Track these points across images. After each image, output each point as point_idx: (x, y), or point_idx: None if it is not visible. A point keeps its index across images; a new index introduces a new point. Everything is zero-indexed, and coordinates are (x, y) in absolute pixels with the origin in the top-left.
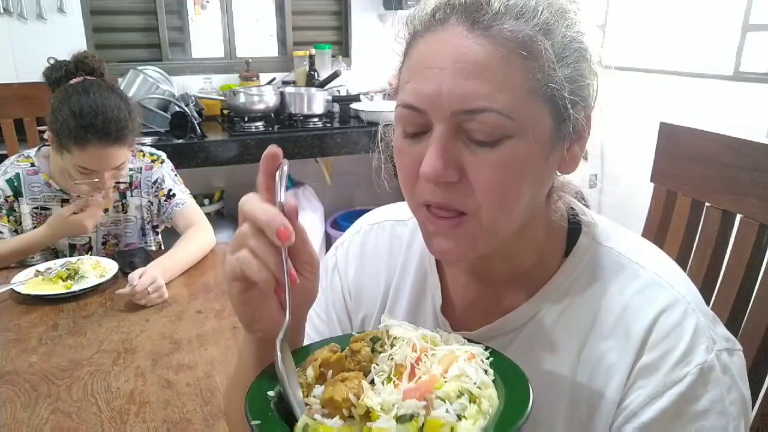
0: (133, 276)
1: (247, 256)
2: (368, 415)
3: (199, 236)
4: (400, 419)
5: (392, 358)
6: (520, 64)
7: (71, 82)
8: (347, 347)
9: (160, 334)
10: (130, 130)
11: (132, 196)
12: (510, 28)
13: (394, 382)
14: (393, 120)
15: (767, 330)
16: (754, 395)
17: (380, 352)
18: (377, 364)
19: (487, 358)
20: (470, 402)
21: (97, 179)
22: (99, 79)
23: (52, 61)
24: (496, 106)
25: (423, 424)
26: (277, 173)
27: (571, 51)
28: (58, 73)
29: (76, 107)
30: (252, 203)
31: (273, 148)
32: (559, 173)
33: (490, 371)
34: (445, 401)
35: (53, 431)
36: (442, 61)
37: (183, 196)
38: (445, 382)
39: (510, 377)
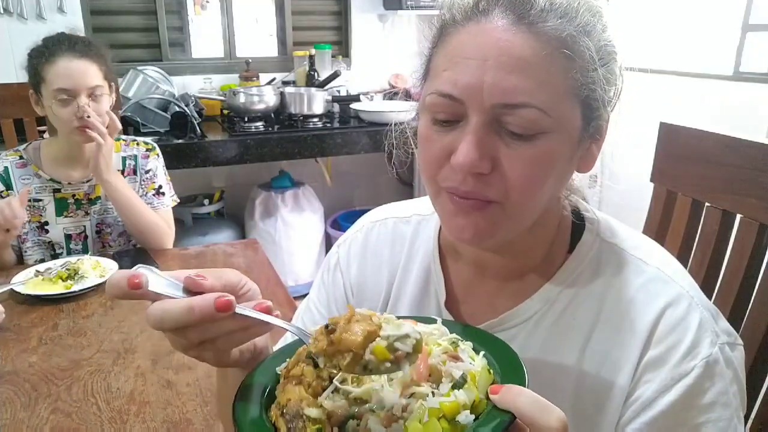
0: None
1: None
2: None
3: (162, 225)
4: (456, 385)
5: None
6: (561, 63)
7: None
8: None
9: (160, 334)
10: (99, 53)
11: None
12: (554, 26)
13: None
14: (397, 120)
15: (767, 330)
16: (755, 395)
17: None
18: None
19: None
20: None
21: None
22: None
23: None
24: (536, 102)
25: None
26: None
27: (606, 53)
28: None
29: (44, 40)
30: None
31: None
32: (576, 172)
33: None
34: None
35: (53, 431)
36: (485, 53)
37: (168, 199)
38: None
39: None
